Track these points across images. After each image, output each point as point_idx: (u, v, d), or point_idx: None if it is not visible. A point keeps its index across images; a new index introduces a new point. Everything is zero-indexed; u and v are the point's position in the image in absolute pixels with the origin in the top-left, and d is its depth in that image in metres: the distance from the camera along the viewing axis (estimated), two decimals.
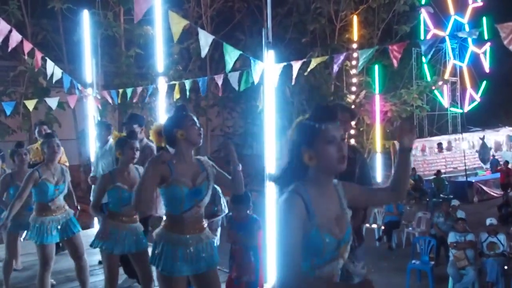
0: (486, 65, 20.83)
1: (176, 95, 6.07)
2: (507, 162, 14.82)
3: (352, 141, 17.43)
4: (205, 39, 5.14)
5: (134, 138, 3.54)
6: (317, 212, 1.65)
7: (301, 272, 1.59)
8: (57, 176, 3.97)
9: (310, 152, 1.67)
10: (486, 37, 18.49)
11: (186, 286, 2.67)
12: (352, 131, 17.88)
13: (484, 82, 21.48)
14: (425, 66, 19.98)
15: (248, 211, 3.76)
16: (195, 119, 2.68)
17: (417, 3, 17.99)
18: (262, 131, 4.83)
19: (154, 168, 2.53)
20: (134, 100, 8.38)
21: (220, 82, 5.69)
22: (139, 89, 7.02)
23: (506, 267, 6.41)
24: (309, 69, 5.01)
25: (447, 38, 20.22)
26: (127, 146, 3.46)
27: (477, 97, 21.44)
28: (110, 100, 7.44)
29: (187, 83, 5.90)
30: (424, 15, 18.71)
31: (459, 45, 20.83)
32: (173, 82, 6.75)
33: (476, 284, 6.31)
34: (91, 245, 3.50)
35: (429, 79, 19.51)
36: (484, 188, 14.91)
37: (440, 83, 19.82)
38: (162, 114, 6.57)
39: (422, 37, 19.89)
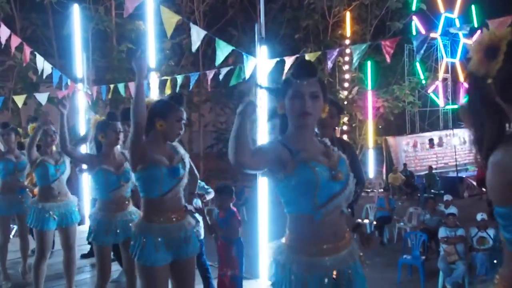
0: None
1: (167, 90, 6.03)
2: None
3: (345, 137, 17.52)
4: (197, 34, 5.12)
5: (115, 120, 3.38)
6: (301, 150, 1.73)
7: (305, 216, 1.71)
8: (55, 157, 3.95)
9: (281, 103, 1.78)
10: (476, 25, 18.64)
11: (168, 276, 2.60)
12: (345, 127, 17.98)
13: None
14: (417, 64, 20.02)
15: (231, 204, 3.74)
16: (184, 116, 2.59)
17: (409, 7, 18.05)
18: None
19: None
20: (127, 96, 8.33)
21: (210, 77, 5.67)
22: (131, 84, 6.97)
23: (495, 261, 6.48)
24: None
25: (439, 39, 20.29)
26: (109, 128, 3.31)
27: None
28: (94, 95, 7.36)
29: (179, 78, 5.87)
30: (415, 22, 18.74)
31: (451, 41, 20.91)
32: (165, 77, 6.71)
33: (466, 278, 6.37)
34: (87, 238, 3.44)
35: (421, 76, 19.59)
36: (475, 183, 15.04)
37: (435, 84, 19.93)
38: None
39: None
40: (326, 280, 1.71)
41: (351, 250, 1.81)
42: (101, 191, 3.38)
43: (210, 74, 5.68)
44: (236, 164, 1.59)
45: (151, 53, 6.37)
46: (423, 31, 19.27)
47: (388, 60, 4.64)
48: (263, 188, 4.66)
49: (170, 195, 2.52)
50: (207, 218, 3.78)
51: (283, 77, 1.88)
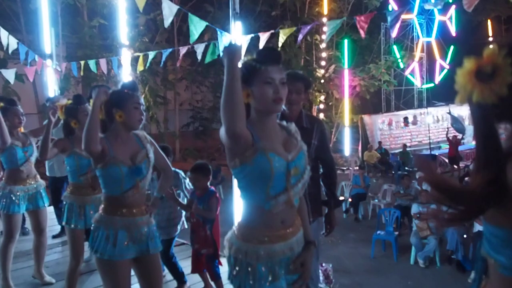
0: (453, 29, 21.01)
1: (140, 67, 5.88)
2: (455, 136, 15.22)
3: (321, 115, 17.61)
4: (169, 9, 4.95)
5: (82, 103, 3.27)
6: (262, 138, 1.69)
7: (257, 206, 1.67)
8: (22, 139, 3.81)
9: (248, 90, 1.70)
10: (450, 0, 18.78)
11: (129, 271, 2.53)
12: (322, 105, 18.05)
13: (452, 47, 21.79)
14: (394, 47, 20.10)
15: (208, 183, 3.70)
16: (141, 101, 2.50)
17: None
18: None
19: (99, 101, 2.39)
20: (99, 73, 8.10)
21: (182, 53, 5.53)
22: (102, 61, 6.75)
23: (465, 236, 6.67)
24: (280, 43, 4.92)
25: (415, 19, 20.36)
26: (79, 112, 3.24)
27: (446, 65, 21.80)
28: (64, 72, 7.12)
29: (151, 55, 5.71)
30: (392, 5, 18.70)
31: (426, 20, 21.02)
32: (137, 53, 6.53)
33: (437, 252, 6.55)
34: (58, 222, 3.35)
35: (397, 55, 19.69)
36: (447, 161, 15.38)
37: (412, 65, 20.06)
38: None
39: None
40: (276, 268, 1.73)
41: (299, 238, 1.83)
42: (72, 174, 3.33)
43: (183, 51, 5.53)
44: (232, 134, 1.55)
45: (123, 29, 6.17)
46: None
47: (363, 35, 4.61)
48: None
49: (131, 193, 2.46)
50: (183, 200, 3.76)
51: (243, 63, 1.75)
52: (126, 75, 6.33)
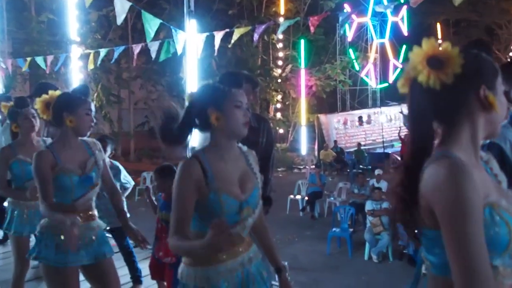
0: (405, 29, 21.69)
1: (90, 65, 5.67)
2: (407, 135, 15.69)
3: (278, 115, 17.75)
4: (122, 6, 4.80)
5: (24, 106, 3.12)
6: (217, 175, 1.66)
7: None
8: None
9: (218, 114, 1.66)
10: (402, 0, 19.39)
11: (78, 279, 2.45)
12: (279, 105, 18.20)
13: (404, 47, 22.51)
14: (347, 42, 20.56)
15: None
16: (92, 107, 2.42)
17: None
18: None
19: (42, 162, 2.30)
20: (47, 70, 7.76)
21: (137, 51, 5.39)
22: (50, 58, 6.47)
23: (416, 231, 6.89)
24: (233, 41, 4.89)
25: (369, 22, 20.89)
26: (20, 116, 3.10)
27: (399, 64, 22.49)
28: (10, 69, 6.77)
29: (102, 52, 5.53)
30: (347, 9, 19.10)
31: (380, 22, 21.62)
32: (87, 51, 6.31)
33: (390, 247, 6.74)
34: (1, 228, 3.18)
35: (352, 56, 20.14)
36: (400, 159, 15.88)
37: (367, 67, 20.56)
38: (76, 85, 6.12)
39: (347, 29, 20.40)
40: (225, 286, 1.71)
41: (252, 254, 1.81)
42: (17, 181, 3.19)
43: (137, 49, 5.39)
44: None
45: (73, 24, 5.94)
46: (354, 17, 19.79)
47: (312, 31, 4.70)
48: None
49: (82, 201, 2.39)
50: (153, 198, 3.66)
51: (208, 86, 1.73)
52: (76, 73, 6.10)
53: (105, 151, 3.84)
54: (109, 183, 2.60)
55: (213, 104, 1.65)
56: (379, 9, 17.92)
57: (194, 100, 1.70)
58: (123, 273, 4.12)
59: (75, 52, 5.95)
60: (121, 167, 4.17)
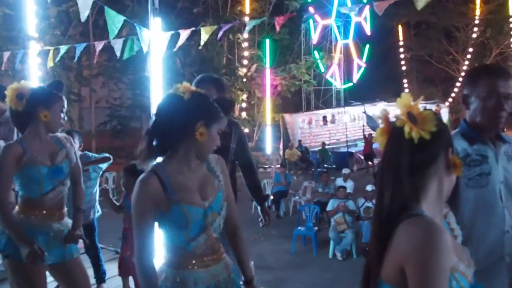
0: (368, 28, 22.09)
1: (50, 62, 5.47)
2: (370, 134, 16.18)
3: (244, 114, 17.75)
4: (84, 2, 4.65)
5: None
6: (176, 187, 1.66)
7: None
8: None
9: (204, 131, 1.65)
10: (365, 0, 19.94)
11: (45, 277, 2.41)
12: (244, 104, 18.19)
13: (367, 46, 22.95)
14: (312, 43, 20.80)
15: None
16: (65, 104, 2.41)
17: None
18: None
19: (7, 155, 2.23)
20: (3, 67, 7.44)
21: (99, 49, 5.24)
22: (6, 54, 6.19)
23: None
24: (202, 42, 4.84)
25: (333, 23, 21.20)
26: None
27: (363, 64, 22.94)
28: None
29: (63, 49, 5.34)
30: (311, 12, 19.30)
31: (344, 23, 21.99)
32: (47, 47, 6.08)
33: (353, 245, 6.87)
34: None
35: (319, 62, 20.38)
36: (362, 157, 16.23)
37: (332, 69, 20.86)
38: (34, 83, 5.88)
39: (312, 31, 20.60)
40: None
41: (224, 264, 1.82)
42: None
43: (99, 46, 5.24)
44: None
45: (31, 20, 5.71)
46: (319, 19, 20.04)
47: (277, 29, 4.74)
48: None
49: (51, 195, 2.33)
50: (113, 198, 3.60)
51: (209, 105, 1.71)
52: (34, 70, 5.87)
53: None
54: (75, 178, 2.54)
55: (205, 122, 1.65)
56: (343, 10, 18.22)
57: (180, 115, 1.64)
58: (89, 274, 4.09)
59: (34, 48, 5.72)
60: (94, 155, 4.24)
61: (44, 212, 2.32)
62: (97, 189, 4.21)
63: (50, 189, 2.33)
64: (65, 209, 2.46)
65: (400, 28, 30.32)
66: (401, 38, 30.82)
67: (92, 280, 4.23)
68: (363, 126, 17.05)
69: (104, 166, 4.28)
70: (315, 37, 20.68)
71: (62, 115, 2.38)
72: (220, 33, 4.69)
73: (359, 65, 22.73)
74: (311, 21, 20.17)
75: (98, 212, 4.12)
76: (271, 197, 9.75)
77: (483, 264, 1.53)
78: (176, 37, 4.74)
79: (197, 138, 1.61)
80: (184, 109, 1.61)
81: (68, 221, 2.46)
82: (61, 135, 2.48)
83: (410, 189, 1.19)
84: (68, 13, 13.05)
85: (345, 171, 9.42)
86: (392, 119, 1.25)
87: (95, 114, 16.20)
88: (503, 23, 28.18)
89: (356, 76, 22.77)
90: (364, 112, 17.97)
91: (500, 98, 1.85)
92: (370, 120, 16.52)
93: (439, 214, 1.24)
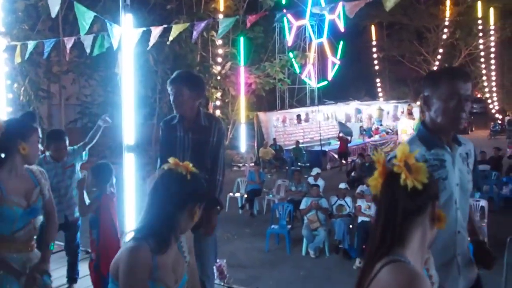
0: (341, 25, 22.17)
1: (17, 58, 5.31)
2: (343, 136, 16.42)
3: (218, 112, 17.67)
4: None
5: None
6: (160, 265, 1.62)
7: None
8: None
9: (193, 210, 1.73)
10: None
11: None
12: (218, 102, 18.11)
13: (341, 43, 23.14)
14: (287, 45, 20.87)
15: (108, 185, 3.51)
16: (40, 134, 2.41)
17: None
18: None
19: None
20: None
21: (69, 45, 5.11)
22: None
23: (351, 226, 7.17)
24: (171, 37, 4.78)
25: (308, 24, 21.30)
26: None
27: (337, 61, 23.14)
28: None
29: (31, 45, 5.19)
30: (286, 14, 19.27)
31: (318, 22, 22.12)
32: (14, 42, 5.89)
33: (326, 242, 6.94)
34: None
35: (294, 62, 20.44)
36: (336, 156, 16.42)
37: (307, 68, 20.96)
38: (1, 81, 5.68)
39: (287, 33, 20.64)
40: None
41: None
42: None
43: (69, 42, 5.11)
44: None
45: None
46: (293, 21, 20.10)
47: (248, 26, 4.75)
48: (130, 164, 4.43)
49: (23, 232, 2.30)
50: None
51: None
52: (1, 66, 5.68)
53: (65, 146, 3.79)
54: (48, 214, 2.50)
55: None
56: (316, 11, 18.35)
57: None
58: (61, 274, 4.05)
59: (0, 43, 5.54)
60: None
61: (13, 247, 2.29)
62: None
63: (22, 226, 2.29)
64: (34, 241, 2.42)
65: (373, 28, 30.83)
66: (374, 38, 31.36)
67: (63, 280, 4.16)
68: (337, 125, 17.35)
69: (84, 158, 4.28)
70: (289, 39, 20.74)
71: (38, 145, 2.38)
72: (195, 34, 4.64)
73: (334, 62, 22.92)
74: (286, 23, 20.19)
75: None
76: (245, 196, 9.75)
77: (437, 263, 1.61)
78: (148, 34, 4.67)
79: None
80: None
81: (37, 253, 2.42)
82: (36, 169, 2.44)
83: (399, 233, 1.27)
84: (36, 7, 12.65)
85: (315, 170, 9.50)
86: (388, 164, 1.33)
87: (65, 112, 15.79)
88: (472, 25, 29.07)
89: (330, 74, 22.95)
90: (337, 121, 18.38)
91: (461, 100, 1.91)
92: (343, 127, 17.00)
93: (420, 261, 1.32)
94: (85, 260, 4.24)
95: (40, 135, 2.43)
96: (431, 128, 2.00)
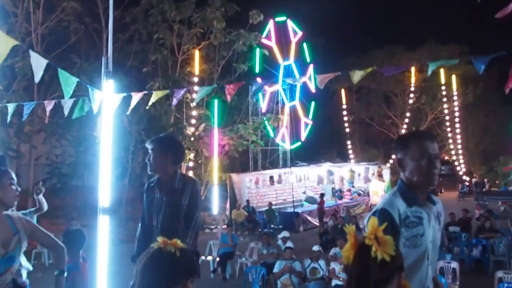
0: (312, 86, 22.87)
1: None
2: (322, 195, 16.64)
3: (191, 173, 17.62)
4: (38, 63, 4.65)
5: None
6: None
7: None
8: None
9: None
10: (308, 60, 21.08)
11: None
12: (191, 163, 18.13)
13: (313, 103, 23.84)
14: (261, 109, 21.44)
15: (80, 252, 3.44)
16: (14, 176, 2.42)
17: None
18: (97, 161, 4.53)
19: None
20: None
21: (49, 108, 5.18)
22: None
23: None
24: (150, 103, 4.93)
25: (280, 89, 22.09)
26: None
27: (310, 121, 23.71)
28: None
29: (10, 107, 5.22)
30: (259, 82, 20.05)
31: (290, 86, 22.92)
32: None
33: None
34: None
35: (269, 129, 20.91)
36: (309, 218, 16.45)
37: (281, 132, 21.47)
38: None
39: (261, 100, 21.39)
40: None
41: None
42: None
43: (49, 105, 5.18)
44: None
45: None
46: (266, 87, 20.90)
47: (229, 99, 4.94)
48: (104, 227, 4.36)
49: (0, 281, 2.28)
50: None
51: None
52: None
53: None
54: (46, 240, 2.51)
55: None
56: (289, 81, 19.17)
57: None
58: None
59: None
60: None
61: None
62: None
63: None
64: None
65: (343, 91, 32.14)
66: (344, 101, 32.60)
67: None
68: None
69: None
70: (263, 105, 21.33)
71: (13, 187, 2.37)
72: (174, 101, 4.82)
73: (306, 123, 23.53)
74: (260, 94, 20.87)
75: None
76: (217, 259, 9.55)
77: None
78: (127, 98, 4.80)
79: None
80: None
81: None
82: (15, 216, 2.43)
83: None
84: (13, 68, 12.77)
85: (284, 233, 9.46)
86: (359, 237, 1.45)
87: (34, 172, 15.45)
88: (436, 90, 30.76)
89: (303, 135, 23.45)
90: (304, 193, 18.85)
91: (431, 158, 2.10)
92: (309, 199, 17.64)
93: None
94: None
95: (15, 177, 2.41)
96: (408, 185, 2.15)
